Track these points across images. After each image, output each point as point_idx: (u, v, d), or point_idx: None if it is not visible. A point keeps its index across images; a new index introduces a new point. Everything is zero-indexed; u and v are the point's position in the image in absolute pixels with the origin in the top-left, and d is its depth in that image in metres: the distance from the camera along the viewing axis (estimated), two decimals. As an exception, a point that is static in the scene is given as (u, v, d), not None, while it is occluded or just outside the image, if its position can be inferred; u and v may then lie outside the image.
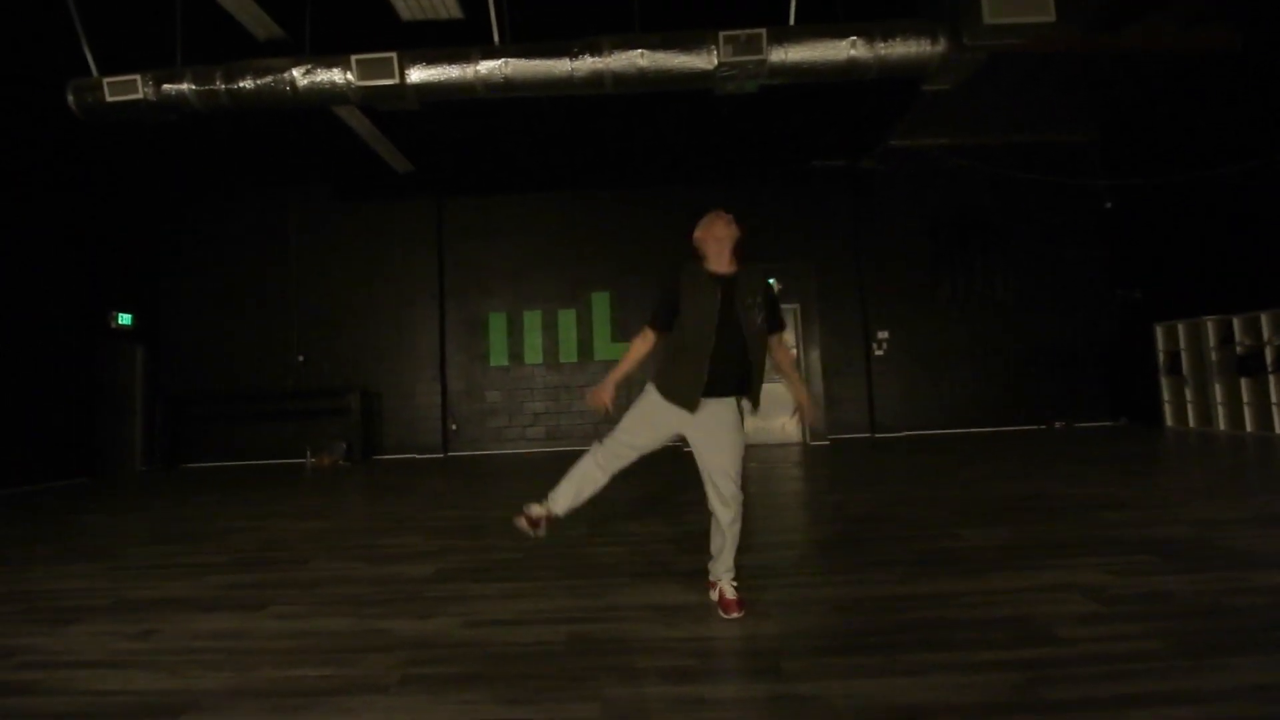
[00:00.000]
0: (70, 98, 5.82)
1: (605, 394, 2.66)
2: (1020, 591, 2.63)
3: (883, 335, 9.75)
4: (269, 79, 5.75)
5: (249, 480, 7.64)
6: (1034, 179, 9.53)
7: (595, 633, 2.38)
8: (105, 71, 5.89)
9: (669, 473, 6.32)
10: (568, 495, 2.69)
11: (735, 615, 2.48)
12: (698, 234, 2.67)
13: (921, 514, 4.19)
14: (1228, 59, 7.74)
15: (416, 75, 5.70)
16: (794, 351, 2.80)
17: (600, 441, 2.73)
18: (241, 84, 5.78)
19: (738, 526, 2.58)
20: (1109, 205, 9.59)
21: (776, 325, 2.71)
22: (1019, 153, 9.70)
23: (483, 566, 3.36)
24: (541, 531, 2.67)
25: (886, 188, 9.87)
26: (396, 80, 5.64)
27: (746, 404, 2.68)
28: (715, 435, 2.57)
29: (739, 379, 2.59)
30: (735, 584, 2.58)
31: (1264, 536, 3.25)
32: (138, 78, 5.70)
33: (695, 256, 2.69)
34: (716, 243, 2.60)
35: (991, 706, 1.74)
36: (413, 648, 2.30)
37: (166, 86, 5.83)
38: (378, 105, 6.20)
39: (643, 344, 2.67)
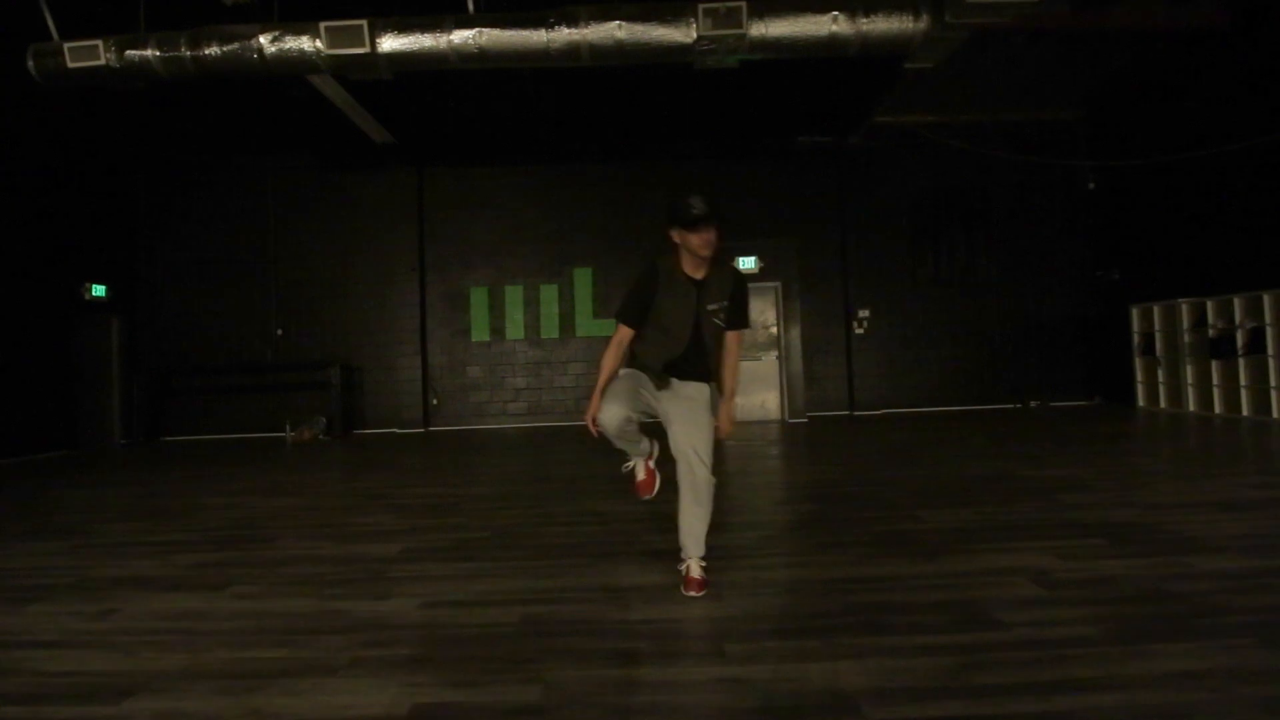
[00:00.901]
0: (30, 63, 5.66)
1: (593, 412, 2.57)
2: (968, 575, 2.69)
3: (864, 314, 9.78)
4: (235, 46, 5.61)
5: (228, 454, 7.64)
6: (1019, 159, 9.49)
7: (548, 614, 2.42)
8: (66, 35, 5.71)
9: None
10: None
11: (694, 594, 2.50)
12: (676, 235, 2.52)
13: (886, 494, 4.26)
14: (1216, 38, 7.68)
15: (388, 44, 5.58)
16: (740, 359, 2.77)
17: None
18: (207, 51, 5.64)
19: (704, 509, 2.54)
20: (1092, 186, 9.59)
21: (736, 323, 2.71)
22: (1005, 131, 9.64)
23: (448, 546, 3.38)
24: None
25: (871, 165, 9.82)
26: (367, 49, 5.52)
27: (713, 390, 2.71)
28: (686, 410, 2.58)
29: (703, 370, 2.67)
30: (704, 564, 2.59)
31: (1212, 521, 3.33)
32: (99, 43, 5.55)
33: (671, 252, 2.60)
34: (695, 252, 2.50)
35: (921, 691, 1.79)
36: (367, 629, 2.33)
37: (130, 53, 5.68)
38: (349, 74, 6.08)
39: (616, 349, 2.66)
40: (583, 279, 9.98)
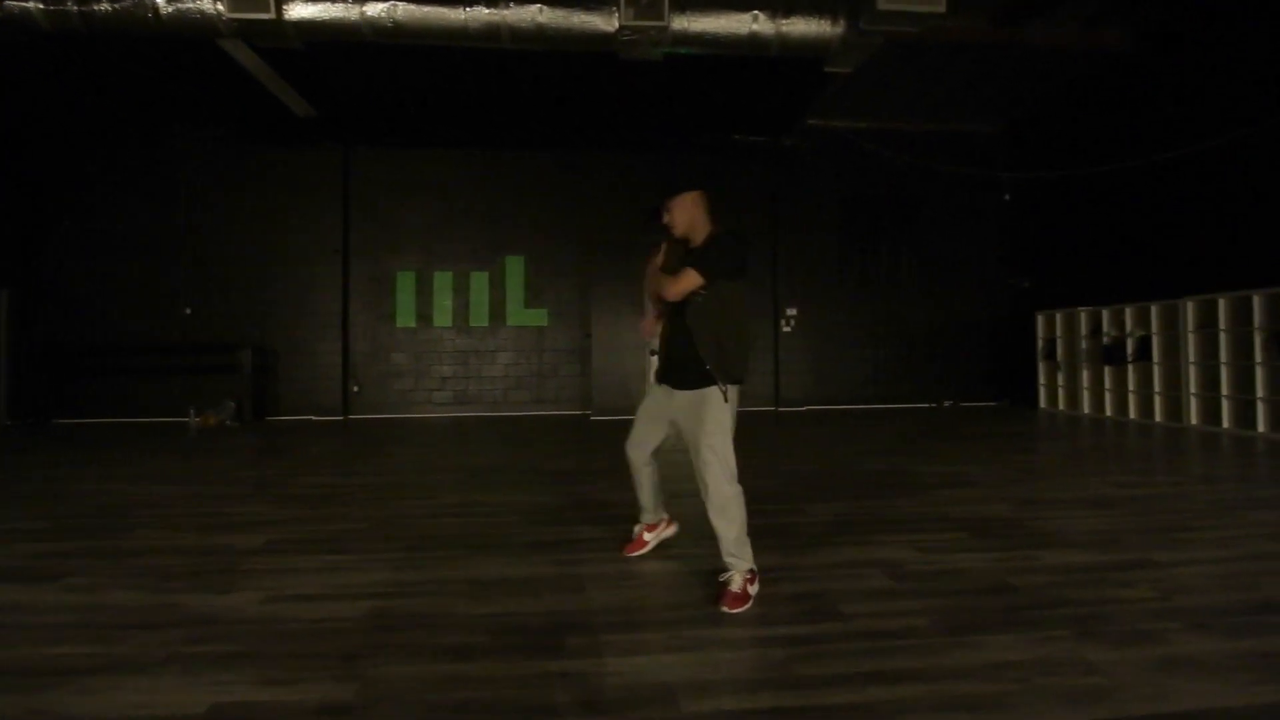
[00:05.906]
0: (-111, 7, 5.16)
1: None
2: (829, 567, 2.74)
3: (792, 312, 9.95)
4: (128, 2, 5.25)
5: (123, 439, 7.20)
6: (941, 168, 9.80)
7: (398, 608, 2.34)
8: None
9: (543, 443, 6.32)
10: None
11: (728, 610, 2.24)
12: None
13: (784, 488, 4.32)
14: (1121, 61, 8.09)
15: (296, 11, 5.33)
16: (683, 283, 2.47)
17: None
18: (97, 7, 5.26)
19: (724, 519, 2.46)
20: (1007, 197, 9.99)
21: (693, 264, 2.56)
22: (931, 140, 9.92)
23: (319, 538, 3.25)
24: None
25: (803, 167, 9.96)
26: (273, 15, 5.26)
27: (721, 388, 2.49)
28: (686, 420, 2.58)
29: (695, 375, 2.51)
30: (750, 575, 2.37)
31: (1071, 517, 3.50)
32: (-31, -11, 5.10)
33: None
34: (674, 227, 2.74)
35: (741, 682, 1.81)
36: (195, 624, 2.20)
37: (10, 3, 5.25)
38: (257, 41, 5.79)
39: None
40: (514, 267, 9.82)
